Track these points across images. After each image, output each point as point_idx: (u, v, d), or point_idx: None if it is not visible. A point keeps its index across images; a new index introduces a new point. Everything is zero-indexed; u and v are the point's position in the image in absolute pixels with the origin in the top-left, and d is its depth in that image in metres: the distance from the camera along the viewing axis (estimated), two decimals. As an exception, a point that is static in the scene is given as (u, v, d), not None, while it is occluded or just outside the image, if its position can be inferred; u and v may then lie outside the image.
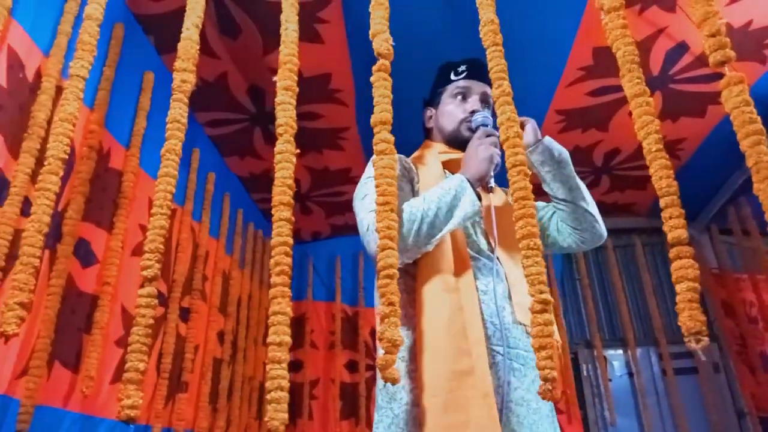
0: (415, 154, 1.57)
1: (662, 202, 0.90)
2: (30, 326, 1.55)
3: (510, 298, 1.36)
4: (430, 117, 1.62)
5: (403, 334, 1.28)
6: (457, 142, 1.52)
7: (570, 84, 2.65)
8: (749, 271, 3.64)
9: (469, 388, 1.15)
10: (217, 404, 2.79)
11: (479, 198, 1.30)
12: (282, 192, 1.04)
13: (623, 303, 3.82)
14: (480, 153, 1.34)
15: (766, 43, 2.39)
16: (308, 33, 2.31)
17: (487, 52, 1.18)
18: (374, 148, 1.12)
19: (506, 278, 1.38)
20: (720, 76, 0.95)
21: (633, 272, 4.01)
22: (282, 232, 1.00)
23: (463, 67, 1.58)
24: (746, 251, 3.63)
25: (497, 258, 1.38)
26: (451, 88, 1.57)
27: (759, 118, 0.90)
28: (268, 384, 0.89)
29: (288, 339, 0.92)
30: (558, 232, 1.55)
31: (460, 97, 1.54)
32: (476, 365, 1.18)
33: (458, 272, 1.30)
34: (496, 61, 1.14)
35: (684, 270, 0.84)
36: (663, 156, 0.91)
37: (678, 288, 0.84)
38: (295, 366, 3.79)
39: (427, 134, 1.65)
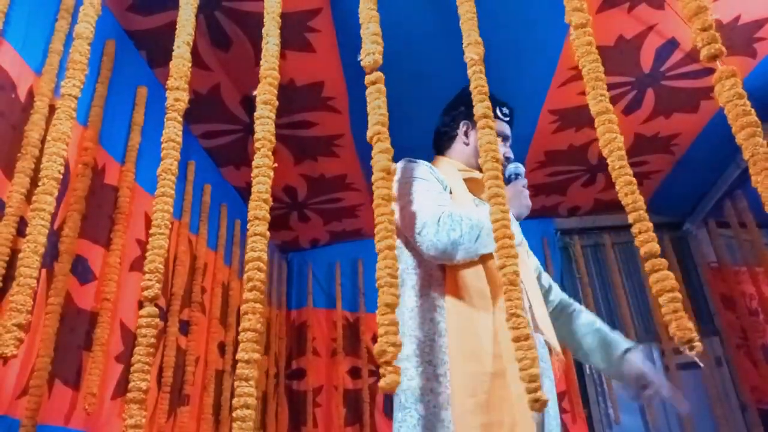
0: (438, 165, 1.60)
1: (630, 218, 0.91)
2: (29, 345, 1.55)
3: (530, 308, 1.44)
4: (465, 132, 1.67)
5: (428, 338, 1.33)
6: (477, 170, 1.59)
7: (562, 84, 2.66)
8: (748, 264, 3.64)
9: (503, 389, 1.19)
10: (220, 416, 2.78)
11: None
12: (257, 207, 1.03)
13: (623, 300, 3.81)
14: (522, 200, 1.51)
15: (756, 37, 2.40)
16: (299, 42, 2.31)
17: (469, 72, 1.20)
18: (372, 162, 1.10)
19: (525, 289, 1.45)
20: (711, 71, 0.96)
21: (632, 269, 4.01)
22: (256, 246, 0.99)
23: (507, 111, 1.71)
24: (744, 244, 3.62)
25: None
26: (496, 126, 1.64)
27: (753, 111, 0.90)
28: (234, 401, 0.87)
29: (257, 356, 0.91)
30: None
31: (501, 138, 1.63)
32: (507, 368, 1.21)
33: (487, 281, 1.36)
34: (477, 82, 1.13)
35: (662, 282, 0.85)
36: (627, 172, 0.93)
37: (661, 301, 0.84)
38: (298, 374, 3.78)
39: (448, 142, 1.68)
